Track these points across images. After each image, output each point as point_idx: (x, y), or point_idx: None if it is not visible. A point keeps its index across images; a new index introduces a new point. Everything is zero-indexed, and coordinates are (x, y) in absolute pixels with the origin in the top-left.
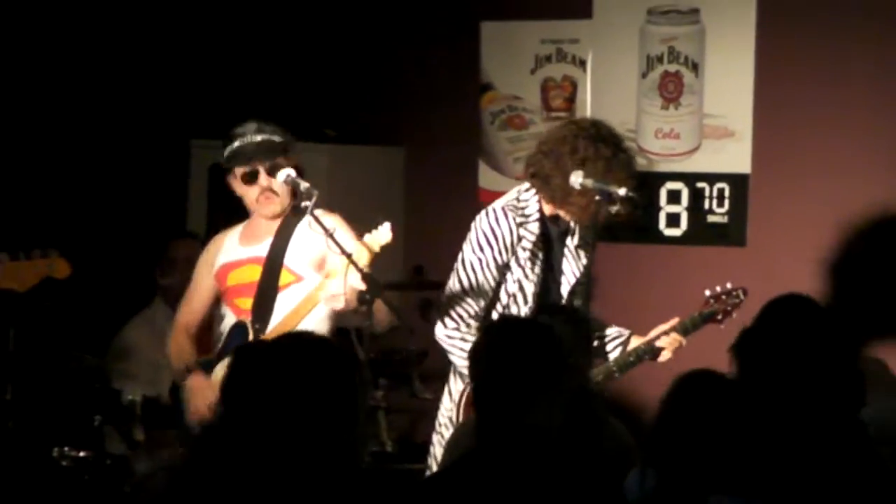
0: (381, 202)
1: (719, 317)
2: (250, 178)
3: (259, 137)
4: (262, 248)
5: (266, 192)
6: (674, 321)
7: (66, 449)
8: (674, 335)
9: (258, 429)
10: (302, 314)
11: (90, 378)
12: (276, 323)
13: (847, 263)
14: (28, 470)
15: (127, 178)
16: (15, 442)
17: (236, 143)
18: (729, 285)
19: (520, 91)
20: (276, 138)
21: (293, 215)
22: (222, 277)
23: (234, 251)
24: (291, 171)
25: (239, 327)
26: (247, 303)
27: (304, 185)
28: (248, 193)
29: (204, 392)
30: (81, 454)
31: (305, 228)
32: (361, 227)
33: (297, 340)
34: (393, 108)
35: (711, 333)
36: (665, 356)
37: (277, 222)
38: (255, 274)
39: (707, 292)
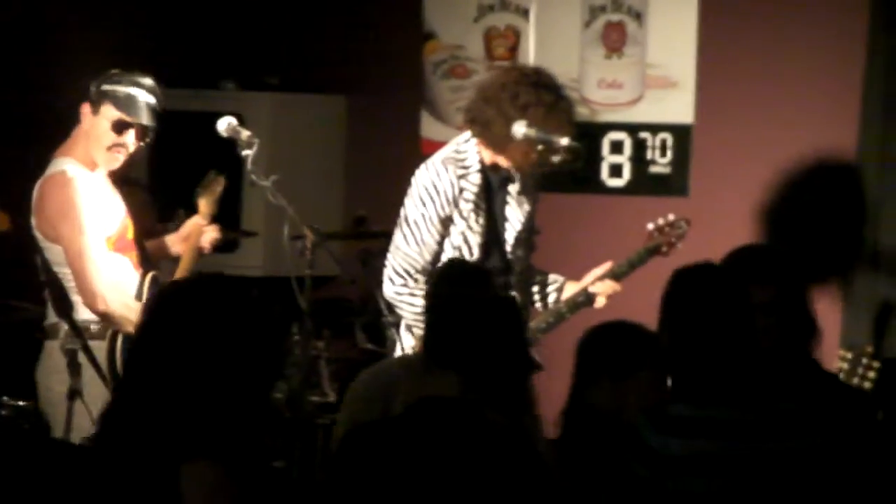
0: (322, 151)
1: (664, 249)
2: (123, 129)
3: (153, 98)
4: (121, 203)
5: (123, 147)
6: (606, 266)
7: (5, 398)
8: (608, 282)
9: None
10: (193, 261)
11: (30, 328)
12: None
13: (789, 213)
14: None
15: (64, 125)
16: None
17: (134, 91)
18: (671, 216)
19: (463, 40)
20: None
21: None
22: (125, 228)
23: (117, 203)
24: (233, 120)
25: (155, 280)
26: (134, 256)
27: (245, 133)
28: (108, 138)
29: None
30: (21, 403)
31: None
32: (302, 178)
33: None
34: (335, 56)
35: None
36: (600, 302)
37: (104, 177)
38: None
39: (650, 225)
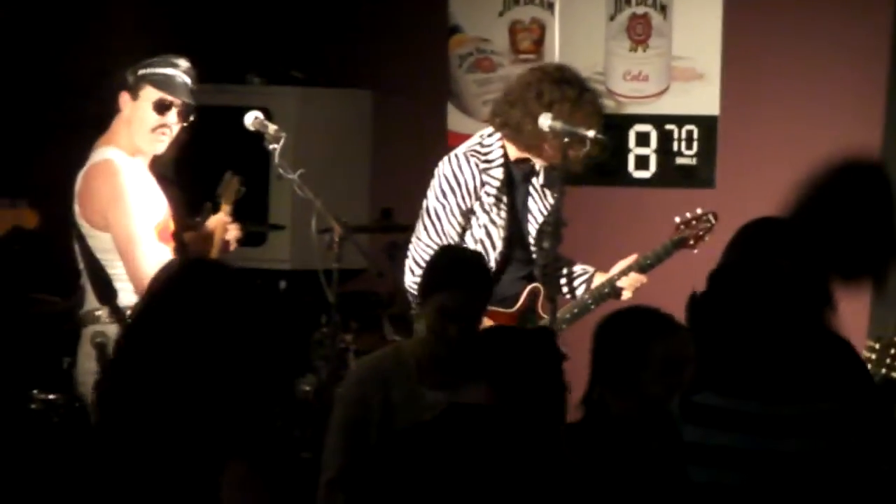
0: (349, 145)
1: (691, 242)
2: (165, 109)
3: (189, 79)
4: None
5: (167, 128)
6: (631, 258)
7: (35, 391)
8: (633, 275)
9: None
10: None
11: (59, 321)
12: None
13: (815, 204)
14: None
15: (91, 120)
16: None
17: (172, 72)
18: (699, 210)
19: (488, 33)
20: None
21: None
22: (168, 219)
23: (160, 192)
24: (259, 114)
25: None
26: (173, 247)
27: (272, 127)
28: (151, 119)
29: None
30: (51, 397)
31: None
32: (328, 171)
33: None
34: (361, 50)
35: (680, 267)
36: (626, 296)
37: (146, 166)
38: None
39: (677, 219)
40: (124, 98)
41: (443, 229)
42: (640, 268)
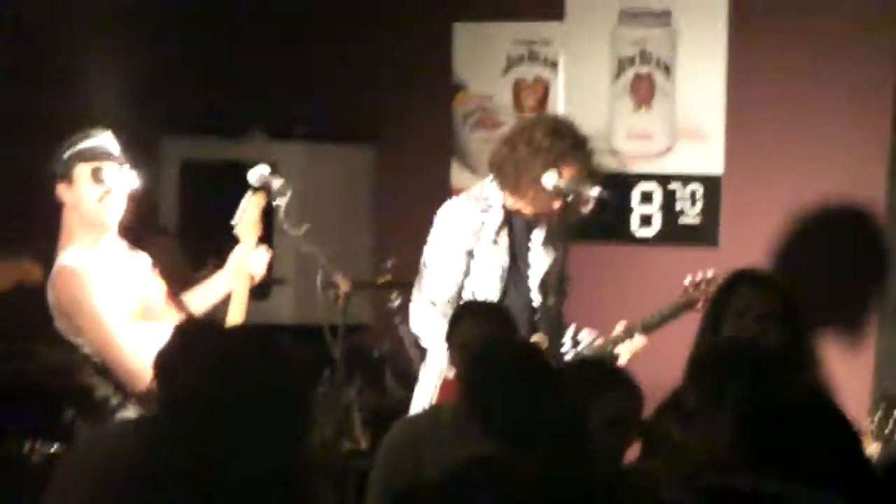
0: (351, 201)
1: (699, 306)
2: (101, 173)
3: (113, 140)
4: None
5: (109, 192)
6: (622, 325)
7: (38, 443)
8: (636, 338)
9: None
10: (246, 292)
11: (61, 373)
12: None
13: (819, 265)
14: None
15: None
16: None
17: (94, 142)
18: (710, 273)
19: (492, 91)
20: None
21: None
22: (148, 295)
23: (132, 271)
24: (265, 169)
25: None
26: (169, 315)
27: (276, 182)
28: (94, 192)
29: None
30: (53, 449)
31: None
32: (332, 227)
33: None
34: (365, 106)
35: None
36: (622, 360)
37: (113, 246)
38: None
39: (686, 280)
40: (62, 189)
41: (446, 269)
42: (644, 327)
